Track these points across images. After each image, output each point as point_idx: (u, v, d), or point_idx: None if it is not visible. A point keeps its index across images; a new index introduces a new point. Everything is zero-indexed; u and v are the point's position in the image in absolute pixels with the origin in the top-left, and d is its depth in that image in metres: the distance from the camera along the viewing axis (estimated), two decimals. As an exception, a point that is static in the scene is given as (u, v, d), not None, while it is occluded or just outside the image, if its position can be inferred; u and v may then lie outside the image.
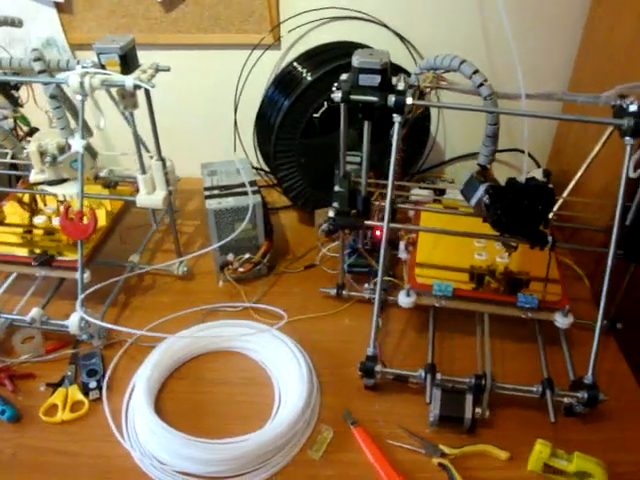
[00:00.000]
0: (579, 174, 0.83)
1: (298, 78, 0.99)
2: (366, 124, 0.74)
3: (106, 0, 1.06)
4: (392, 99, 0.67)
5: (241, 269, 0.94)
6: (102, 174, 1.03)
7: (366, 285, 0.93)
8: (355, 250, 0.93)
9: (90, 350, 0.85)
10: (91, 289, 0.82)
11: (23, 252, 0.90)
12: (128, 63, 0.76)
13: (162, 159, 0.85)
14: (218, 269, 0.97)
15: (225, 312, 0.92)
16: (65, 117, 0.85)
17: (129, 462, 0.71)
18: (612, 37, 0.98)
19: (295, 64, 1.03)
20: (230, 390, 0.80)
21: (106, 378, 0.81)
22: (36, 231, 0.97)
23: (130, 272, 0.96)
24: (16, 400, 0.78)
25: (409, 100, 0.67)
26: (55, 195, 0.95)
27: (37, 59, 0.80)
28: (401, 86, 0.68)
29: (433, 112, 1.14)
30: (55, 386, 0.80)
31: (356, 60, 0.69)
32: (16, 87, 0.92)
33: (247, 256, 0.94)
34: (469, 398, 0.71)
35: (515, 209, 0.71)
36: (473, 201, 0.74)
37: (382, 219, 0.87)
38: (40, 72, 0.81)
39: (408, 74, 0.89)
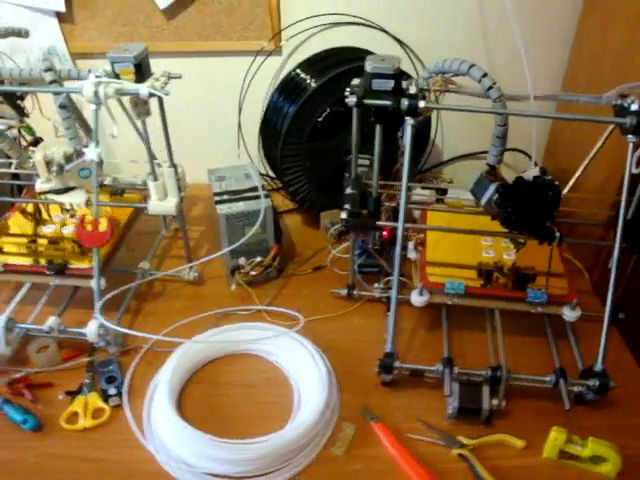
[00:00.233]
0: (579, 172, 0.86)
1: (302, 84, 1.01)
2: (378, 127, 0.76)
3: (107, 9, 1.07)
4: (405, 103, 0.70)
5: (253, 272, 0.95)
6: (106, 182, 1.03)
7: (376, 285, 0.95)
8: (365, 251, 0.95)
9: (106, 357, 0.86)
10: (107, 296, 0.83)
11: (29, 261, 0.90)
12: (142, 71, 0.77)
13: (174, 165, 0.86)
14: (229, 273, 0.98)
15: (238, 315, 0.93)
16: (74, 127, 0.86)
17: (154, 466, 0.72)
18: (604, 43, 1.03)
19: (298, 71, 1.05)
20: (249, 392, 0.82)
21: (125, 384, 0.81)
22: (41, 241, 0.97)
23: (141, 278, 0.97)
24: (36, 409, 0.78)
25: (422, 103, 0.69)
26: (62, 204, 0.95)
27: (48, 69, 0.80)
28: (413, 90, 0.71)
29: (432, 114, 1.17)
30: (74, 394, 0.80)
31: (369, 65, 0.71)
32: (22, 97, 0.93)
33: (259, 259, 0.95)
34: (486, 390, 0.73)
35: (524, 206, 0.74)
36: (484, 200, 0.76)
37: (390, 219, 0.90)
38: (51, 82, 0.82)
39: (409, 77, 0.91)
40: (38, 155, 0.90)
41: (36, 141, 1.04)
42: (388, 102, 0.70)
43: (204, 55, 1.13)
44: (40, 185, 0.93)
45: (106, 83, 0.75)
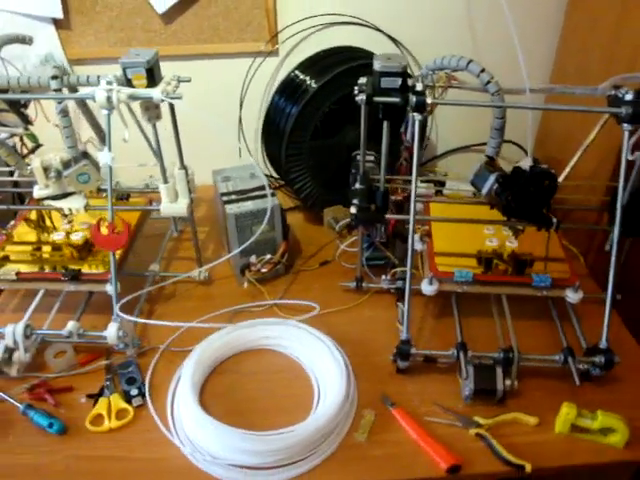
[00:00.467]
0: (574, 160, 0.89)
1: (303, 85, 1.03)
2: (385, 124, 0.79)
3: (105, 14, 1.08)
4: (414, 99, 0.72)
5: (264, 269, 0.97)
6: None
7: (383, 276, 0.98)
8: (371, 244, 0.98)
9: (125, 359, 0.87)
10: (124, 299, 0.84)
11: (34, 269, 0.91)
12: (154, 76, 0.78)
13: (185, 167, 0.87)
14: (238, 272, 1.00)
15: (251, 312, 0.95)
16: (74, 135, 0.86)
17: (182, 461, 0.73)
18: (592, 35, 1.07)
19: (297, 72, 1.07)
20: (268, 386, 0.84)
21: (147, 384, 0.83)
22: (45, 248, 0.97)
23: (152, 280, 0.98)
24: (59, 413, 0.79)
25: (429, 99, 0.72)
26: (60, 209, 0.96)
27: (55, 77, 0.81)
28: (419, 87, 0.73)
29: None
30: (96, 397, 0.82)
31: (378, 64, 0.74)
32: (25, 105, 0.93)
33: (268, 257, 0.97)
34: (499, 371, 0.76)
35: (524, 195, 0.78)
36: (485, 190, 0.80)
37: (393, 213, 0.93)
38: (57, 90, 0.82)
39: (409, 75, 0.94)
40: (36, 162, 0.90)
41: (36, 148, 1.04)
42: (397, 99, 0.73)
43: (202, 58, 1.14)
44: (38, 192, 0.93)
45: (118, 88, 0.76)
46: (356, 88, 0.76)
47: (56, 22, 1.07)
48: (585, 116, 1.01)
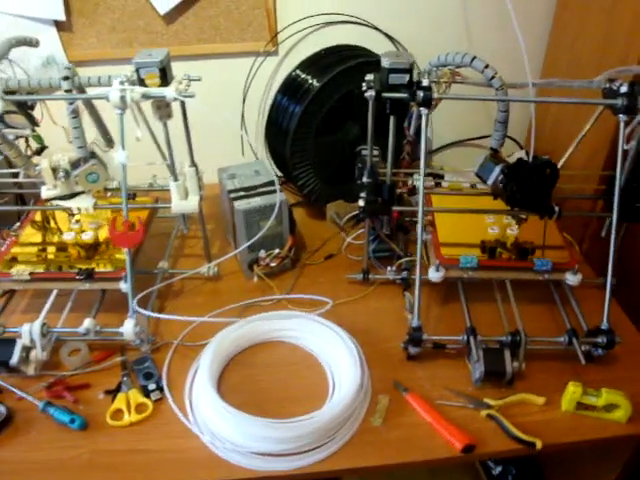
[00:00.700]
0: (570, 150, 0.93)
1: (305, 84, 1.06)
2: (392, 119, 0.81)
3: (107, 16, 1.08)
4: (421, 94, 0.75)
5: (272, 264, 0.99)
6: (112, 185, 1.04)
7: (389, 268, 1.01)
8: (377, 236, 1.01)
9: (140, 355, 0.88)
10: (138, 296, 0.86)
11: (41, 269, 0.91)
12: (166, 75, 0.80)
13: (195, 165, 0.89)
14: (246, 267, 1.02)
15: (261, 306, 0.97)
16: (83, 136, 0.87)
17: (203, 451, 0.75)
18: (582, 29, 1.11)
19: (299, 71, 1.10)
20: (282, 376, 0.86)
21: (164, 378, 0.84)
22: (49, 249, 0.98)
23: (162, 277, 0.99)
24: (78, 409, 0.80)
25: (436, 95, 0.75)
26: (69, 209, 0.97)
27: (67, 77, 0.82)
28: (426, 82, 0.76)
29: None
30: (113, 392, 0.83)
31: (386, 61, 0.76)
32: (32, 107, 0.94)
33: (277, 251, 0.99)
34: (507, 354, 0.80)
35: (528, 185, 0.81)
36: (490, 181, 0.83)
37: (400, 205, 0.96)
38: (68, 91, 0.83)
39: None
40: (44, 162, 0.91)
41: (41, 150, 1.05)
42: (405, 95, 0.76)
43: (204, 58, 1.16)
44: (46, 192, 0.94)
45: (132, 88, 0.77)
46: (364, 85, 0.78)
47: (58, 24, 1.08)
48: (576, 109, 1.05)
